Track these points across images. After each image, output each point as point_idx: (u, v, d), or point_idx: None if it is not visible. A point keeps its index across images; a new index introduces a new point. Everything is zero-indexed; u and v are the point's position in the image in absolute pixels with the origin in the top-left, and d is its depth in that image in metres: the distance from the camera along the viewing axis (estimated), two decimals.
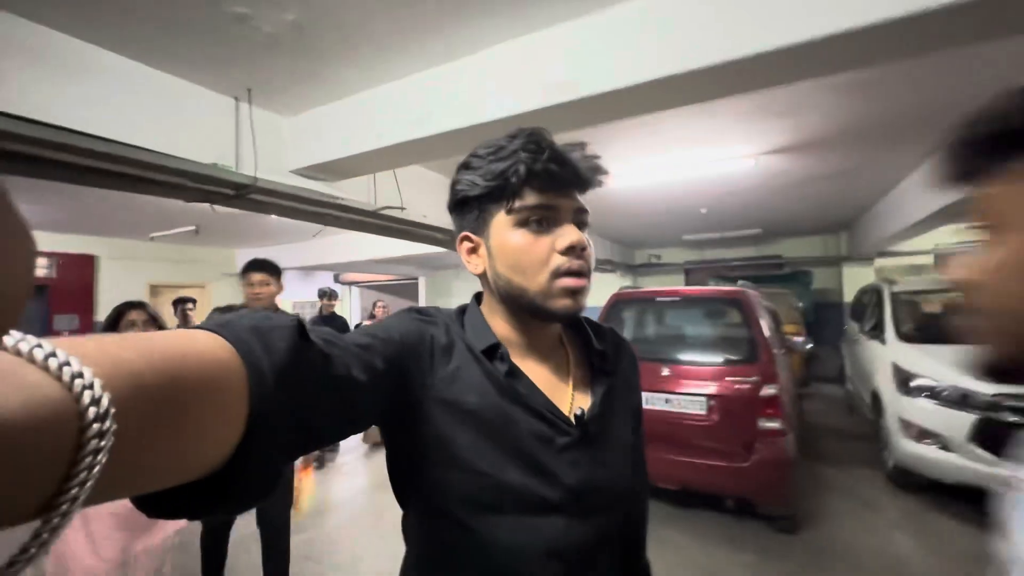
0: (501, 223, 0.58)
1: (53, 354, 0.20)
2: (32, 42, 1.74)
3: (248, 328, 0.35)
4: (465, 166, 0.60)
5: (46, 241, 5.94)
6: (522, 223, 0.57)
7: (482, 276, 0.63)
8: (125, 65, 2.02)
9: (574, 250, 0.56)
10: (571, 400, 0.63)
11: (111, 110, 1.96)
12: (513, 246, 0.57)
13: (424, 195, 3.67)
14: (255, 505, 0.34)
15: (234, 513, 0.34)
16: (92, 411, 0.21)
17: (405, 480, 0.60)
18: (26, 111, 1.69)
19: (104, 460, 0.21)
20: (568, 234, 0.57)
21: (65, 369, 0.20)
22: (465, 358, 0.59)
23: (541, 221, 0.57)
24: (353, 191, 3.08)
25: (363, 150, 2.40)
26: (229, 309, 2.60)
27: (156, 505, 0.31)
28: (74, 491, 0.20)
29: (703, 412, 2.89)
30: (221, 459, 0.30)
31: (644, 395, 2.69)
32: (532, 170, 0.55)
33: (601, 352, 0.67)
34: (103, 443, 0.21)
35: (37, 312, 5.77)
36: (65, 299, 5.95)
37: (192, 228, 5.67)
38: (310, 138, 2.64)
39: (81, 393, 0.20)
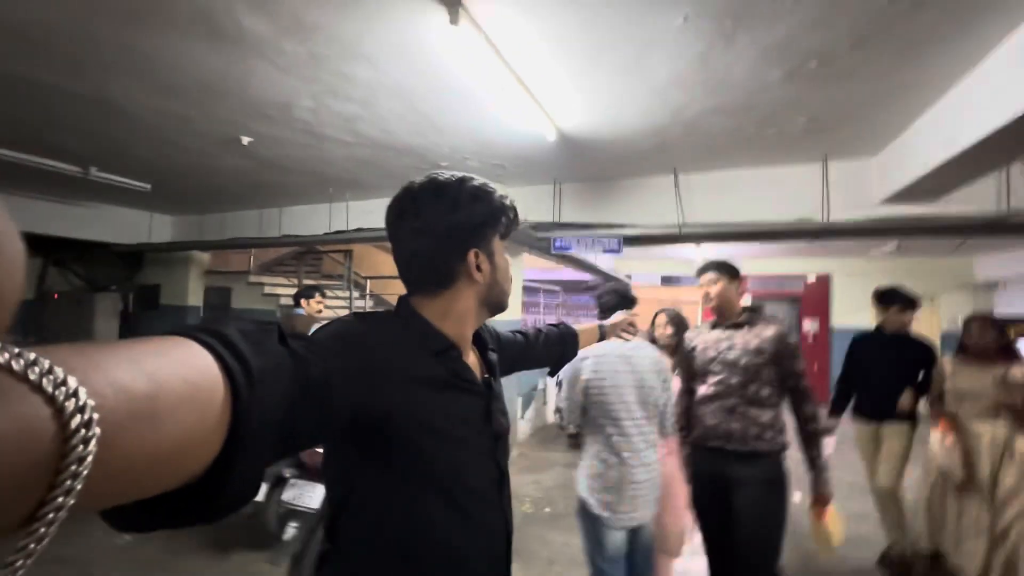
0: (499, 246, 0.77)
1: (35, 363, 0.20)
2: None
3: (229, 334, 0.35)
4: (475, 199, 0.73)
5: (799, 265, 8.20)
6: (502, 245, 0.78)
7: (475, 287, 0.75)
8: (753, 173, 3.48)
9: None
10: (480, 368, 0.81)
11: (741, 206, 3.48)
12: (505, 261, 0.78)
13: None
14: (236, 511, 0.35)
15: (213, 521, 0.34)
16: (76, 419, 0.21)
17: (368, 484, 0.64)
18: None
19: (88, 467, 0.21)
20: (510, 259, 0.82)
21: (47, 379, 0.20)
22: (423, 355, 0.68)
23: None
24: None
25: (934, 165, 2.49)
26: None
27: (127, 518, 0.31)
28: (59, 499, 0.20)
29: None
30: (205, 464, 0.31)
31: None
32: (514, 212, 0.78)
33: (489, 360, 0.84)
34: (88, 450, 0.21)
35: (792, 317, 8.12)
36: (811, 308, 7.98)
37: (893, 247, 6.10)
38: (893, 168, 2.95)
39: (65, 402, 0.20)
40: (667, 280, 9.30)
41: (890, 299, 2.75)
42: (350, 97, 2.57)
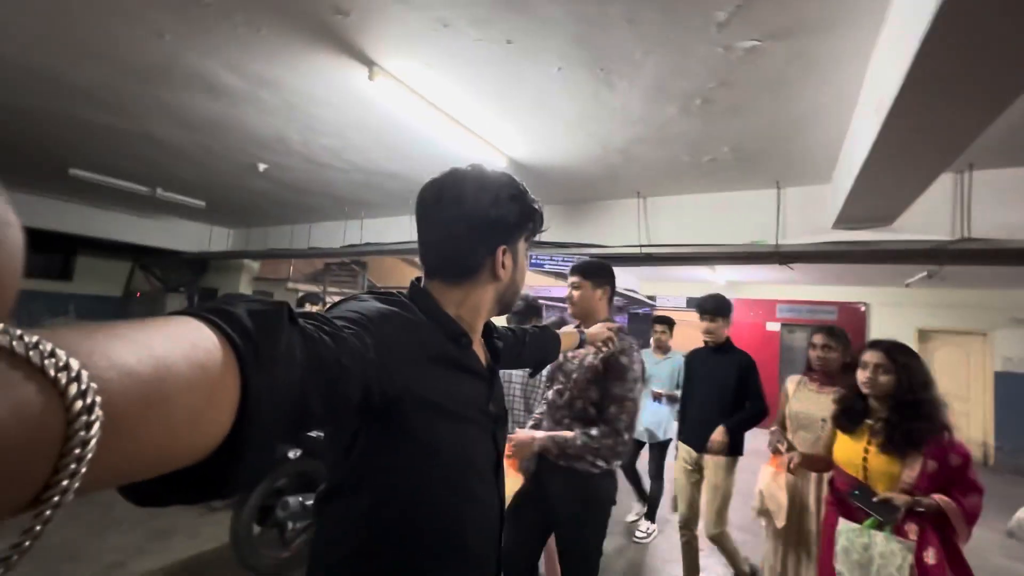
0: (523, 247, 0.81)
1: (37, 346, 0.20)
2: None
3: (237, 313, 0.35)
4: (514, 199, 0.77)
5: (832, 293, 7.81)
6: (525, 248, 0.83)
7: (497, 283, 0.78)
8: (711, 197, 3.64)
9: None
10: (485, 356, 0.84)
11: (692, 231, 3.63)
12: (526, 263, 0.83)
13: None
14: (248, 489, 0.44)
15: (226, 497, 0.34)
16: (79, 403, 0.21)
17: (373, 464, 0.64)
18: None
19: (93, 451, 0.21)
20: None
21: (49, 362, 0.20)
22: (438, 339, 0.70)
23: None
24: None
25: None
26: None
27: (145, 493, 0.31)
28: (64, 483, 0.20)
29: None
30: (215, 445, 0.31)
31: None
32: (542, 219, 0.85)
33: (494, 348, 0.90)
34: (91, 434, 0.21)
35: None
36: None
37: (924, 274, 5.75)
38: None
39: (67, 385, 0.20)
40: (693, 302, 9.17)
41: (699, 308, 2.65)
42: (327, 133, 3.10)
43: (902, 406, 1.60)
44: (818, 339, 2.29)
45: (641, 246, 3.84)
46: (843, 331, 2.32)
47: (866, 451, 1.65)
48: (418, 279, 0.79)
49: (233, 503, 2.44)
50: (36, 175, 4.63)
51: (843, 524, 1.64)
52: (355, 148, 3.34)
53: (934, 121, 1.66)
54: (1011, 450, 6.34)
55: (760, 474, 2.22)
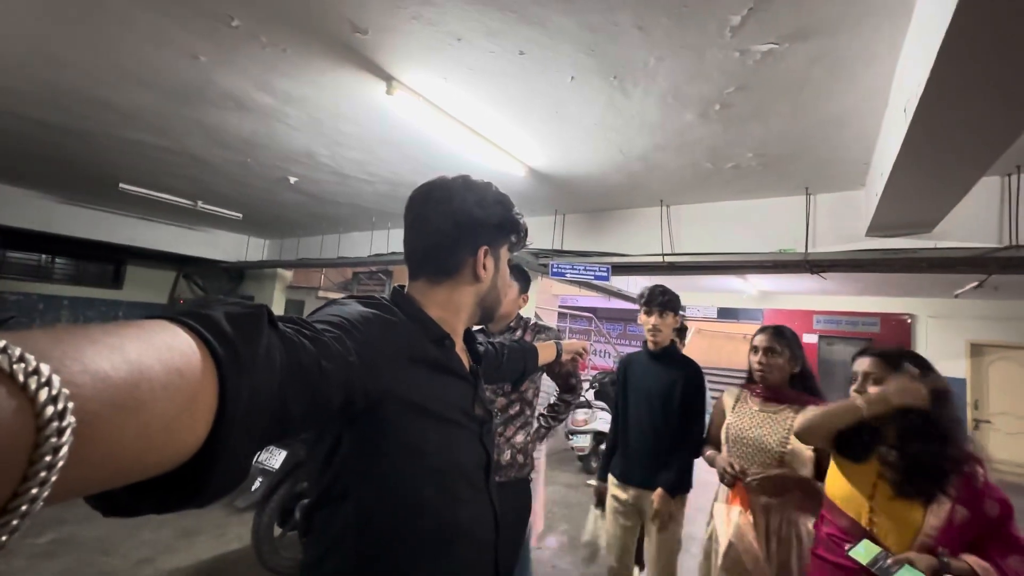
0: (505, 255, 0.82)
1: (5, 350, 0.20)
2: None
3: (216, 317, 0.34)
4: (499, 202, 0.81)
5: (874, 304, 7.44)
6: (507, 258, 0.84)
7: (477, 285, 0.79)
8: (738, 205, 3.55)
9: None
10: (468, 359, 0.84)
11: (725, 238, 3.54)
12: (507, 272, 0.84)
13: None
14: (224, 496, 0.34)
15: (201, 506, 0.33)
16: (50, 409, 0.20)
17: (358, 469, 0.62)
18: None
19: (64, 458, 0.20)
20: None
21: (19, 367, 0.20)
22: (420, 342, 0.69)
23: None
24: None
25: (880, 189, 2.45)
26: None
27: (114, 503, 0.30)
28: (33, 491, 0.20)
29: None
30: (191, 451, 0.30)
31: None
32: (524, 235, 0.87)
33: (476, 352, 0.89)
34: (62, 441, 0.20)
35: None
36: None
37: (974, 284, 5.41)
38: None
39: (38, 391, 0.20)
40: (724, 312, 8.91)
41: (643, 299, 2.09)
42: (352, 147, 3.20)
43: (920, 429, 1.22)
44: (760, 340, 1.77)
45: (664, 255, 3.77)
46: (793, 332, 1.80)
47: (874, 488, 1.25)
48: (401, 286, 0.80)
49: (256, 504, 2.51)
50: (90, 190, 4.97)
51: None
52: (379, 160, 3.43)
53: (965, 119, 1.57)
54: None
55: (717, 516, 1.69)
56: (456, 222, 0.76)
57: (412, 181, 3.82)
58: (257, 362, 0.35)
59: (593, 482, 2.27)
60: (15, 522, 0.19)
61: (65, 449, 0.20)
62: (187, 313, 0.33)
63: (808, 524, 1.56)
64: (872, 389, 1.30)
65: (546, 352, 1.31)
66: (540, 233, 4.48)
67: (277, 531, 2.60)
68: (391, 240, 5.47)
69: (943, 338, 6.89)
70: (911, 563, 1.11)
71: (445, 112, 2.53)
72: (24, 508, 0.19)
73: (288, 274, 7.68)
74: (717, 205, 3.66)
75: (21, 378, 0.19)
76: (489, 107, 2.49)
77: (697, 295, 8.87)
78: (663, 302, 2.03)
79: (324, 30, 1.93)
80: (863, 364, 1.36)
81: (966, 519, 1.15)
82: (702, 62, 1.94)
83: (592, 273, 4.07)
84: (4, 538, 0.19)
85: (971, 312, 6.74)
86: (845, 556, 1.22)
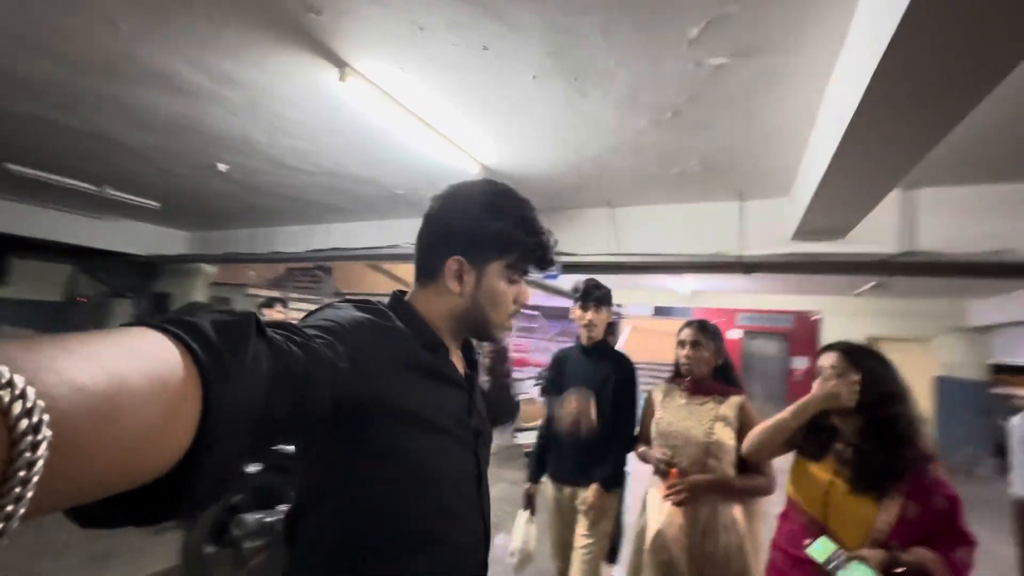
0: (495, 270, 0.74)
1: None
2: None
3: (201, 325, 0.34)
4: (490, 212, 0.74)
5: (788, 302, 8.16)
6: (507, 277, 0.75)
7: (451, 295, 0.74)
8: (680, 208, 3.73)
9: (524, 306, 0.78)
10: (464, 368, 0.83)
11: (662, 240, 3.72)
12: (499, 291, 0.74)
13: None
14: (207, 507, 0.34)
15: (186, 515, 0.34)
16: (24, 423, 0.19)
17: (343, 476, 0.62)
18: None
19: (40, 472, 0.20)
20: (526, 293, 0.77)
21: None
22: (413, 347, 0.68)
23: (515, 280, 0.76)
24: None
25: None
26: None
27: (92, 515, 0.29)
28: (9, 507, 0.19)
29: None
30: (172, 462, 0.29)
31: None
32: (541, 254, 0.77)
33: (472, 360, 0.87)
34: (37, 455, 0.20)
35: (782, 353, 8.04)
36: (800, 345, 7.90)
37: (872, 284, 6.08)
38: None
39: (11, 404, 0.19)
40: (661, 311, 9.39)
41: (578, 293, 2.05)
42: (295, 135, 3.00)
43: (873, 426, 1.27)
44: (686, 334, 1.81)
45: (611, 255, 3.90)
46: (715, 327, 1.87)
47: (830, 486, 1.29)
48: (402, 292, 0.80)
49: (183, 522, 2.29)
50: None
51: None
52: (324, 151, 3.25)
53: (888, 140, 1.76)
54: (950, 450, 6.75)
55: (650, 503, 1.74)
56: (436, 227, 0.77)
57: (357, 174, 3.66)
58: (243, 370, 0.34)
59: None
60: None
61: (40, 463, 0.20)
62: (171, 320, 0.33)
63: (731, 513, 1.63)
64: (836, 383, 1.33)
65: None
66: None
67: (210, 549, 2.39)
68: (331, 235, 5.22)
69: (845, 332, 7.61)
70: (863, 559, 1.15)
71: (400, 103, 2.45)
72: (0, 526, 0.19)
73: (212, 270, 7.07)
74: (660, 208, 3.84)
75: None
76: (446, 101, 2.43)
77: (634, 293, 9.27)
78: (597, 297, 2.02)
79: (273, 6, 1.79)
80: (828, 359, 1.40)
81: (917, 514, 1.18)
82: (660, 70, 2.02)
83: (544, 272, 4.12)
84: None
85: (869, 309, 7.60)
86: (803, 551, 1.27)
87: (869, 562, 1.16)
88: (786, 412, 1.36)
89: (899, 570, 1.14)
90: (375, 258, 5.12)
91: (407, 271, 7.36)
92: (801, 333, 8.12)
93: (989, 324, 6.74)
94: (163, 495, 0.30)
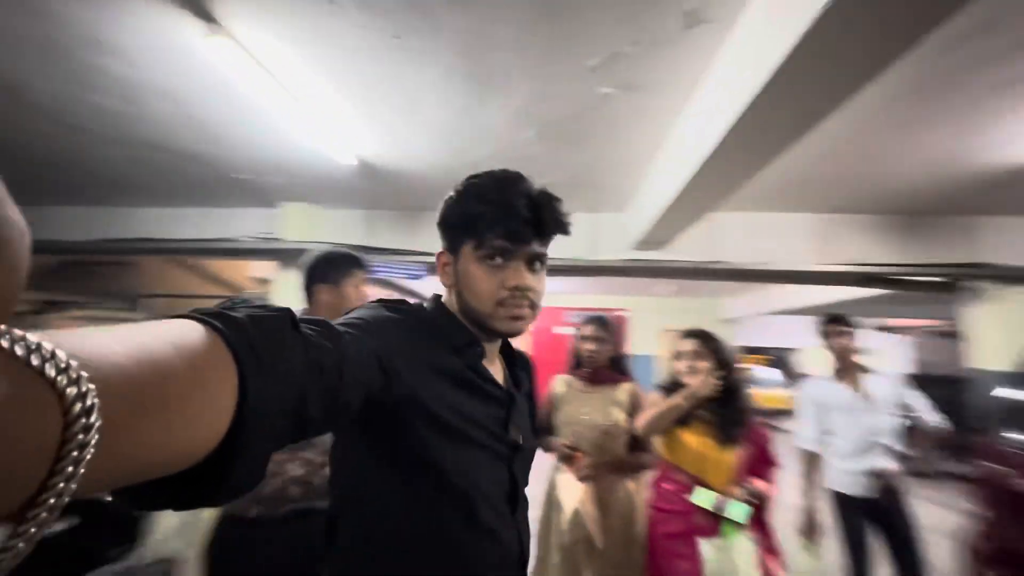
0: (468, 253, 0.69)
1: (38, 348, 0.20)
2: None
3: (240, 317, 0.35)
4: (456, 195, 0.71)
5: (602, 301, 9.50)
6: (483, 258, 0.68)
7: (449, 288, 0.73)
8: None
9: (518, 289, 0.67)
10: (505, 377, 0.79)
11: None
12: (473, 275, 0.68)
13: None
14: (241, 495, 0.35)
15: (222, 503, 0.35)
16: (77, 406, 0.21)
17: (378, 467, 0.63)
18: None
19: (90, 454, 0.21)
20: (515, 277, 0.67)
21: (50, 364, 0.20)
22: (442, 349, 0.67)
23: (496, 259, 0.67)
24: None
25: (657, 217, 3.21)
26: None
27: (138, 496, 0.31)
28: (60, 485, 0.21)
29: None
30: (209, 450, 0.31)
31: None
32: (494, 222, 0.67)
33: (516, 375, 0.82)
34: (88, 437, 0.21)
35: None
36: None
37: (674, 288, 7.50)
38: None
39: (66, 388, 0.21)
40: None
41: None
42: (111, 93, 2.35)
43: (725, 394, 1.62)
44: (588, 330, 1.96)
45: None
46: (612, 320, 2.04)
47: (703, 445, 1.63)
48: (438, 295, 0.77)
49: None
50: None
51: (704, 543, 1.53)
52: (146, 117, 2.60)
53: (724, 177, 2.26)
54: None
55: (561, 486, 1.88)
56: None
57: (187, 149, 3.04)
58: (277, 364, 0.36)
59: None
60: (43, 515, 0.20)
61: (92, 446, 0.21)
62: (210, 313, 0.34)
63: (627, 486, 1.84)
64: (699, 364, 1.68)
65: None
66: (348, 227, 4.17)
67: None
68: (138, 220, 4.18)
69: (650, 326, 9.34)
70: (735, 496, 1.53)
71: (274, 76, 2.14)
72: (52, 501, 0.20)
73: None
74: None
75: (52, 374, 0.20)
76: (329, 83, 2.22)
77: None
78: None
79: None
80: (688, 344, 1.73)
81: (751, 453, 1.64)
82: (557, 89, 2.20)
83: (407, 272, 4.02)
84: (33, 530, 0.20)
85: (662, 307, 9.35)
86: (683, 504, 1.56)
87: (737, 497, 1.55)
88: (679, 398, 1.66)
89: (753, 500, 1.55)
90: (186, 252, 4.29)
91: (235, 269, 6.31)
92: (616, 328, 9.59)
93: (734, 316, 8.97)
94: (201, 482, 0.32)
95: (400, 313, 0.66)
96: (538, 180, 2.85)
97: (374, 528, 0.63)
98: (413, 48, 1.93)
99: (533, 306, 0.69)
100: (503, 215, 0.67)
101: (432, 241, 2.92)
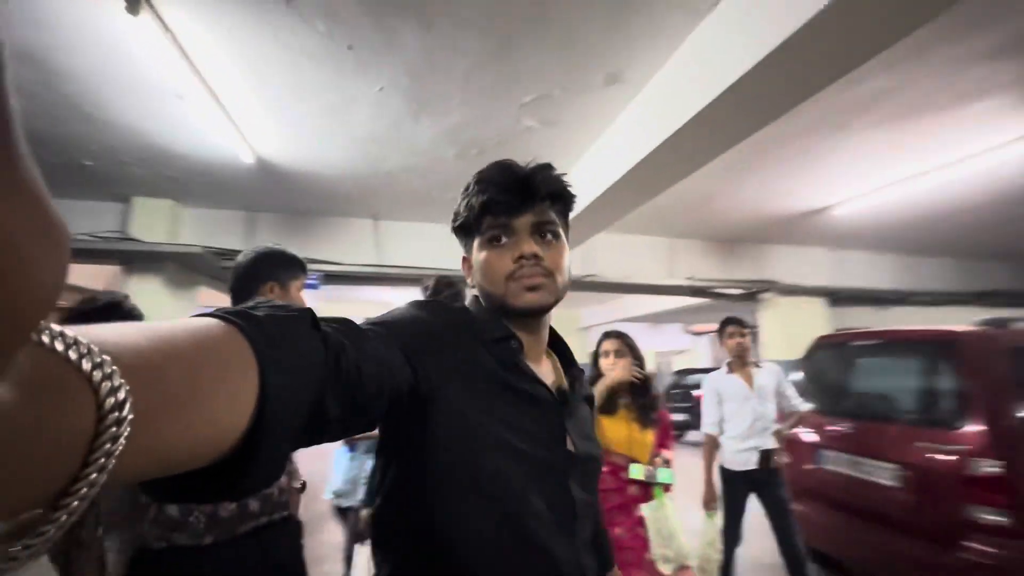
0: (477, 248, 0.70)
1: (75, 343, 0.21)
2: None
3: (261, 318, 0.36)
4: (463, 195, 0.71)
5: None
6: (487, 243, 0.68)
7: (473, 287, 0.73)
8: (444, 227, 4.13)
9: (524, 257, 0.65)
10: (556, 376, 0.74)
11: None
12: (482, 262, 0.68)
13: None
14: (260, 491, 0.36)
15: (240, 498, 0.37)
16: (110, 400, 0.22)
17: (409, 472, 0.60)
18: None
19: (122, 447, 0.22)
20: (519, 246, 0.66)
21: (85, 360, 0.21)
22: (474, 345, 0.64)
23: (499, 238, 0.67)
24: None
25: None
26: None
27: (162, 489, 0.33)
28: (93, 476, 0.21)
29: (894, 484, 2.32)
30: (231, 446, 0.32)
31: (829, 454, 2.63)
32: (484, 204, 0.66)
33: (569, 359, 0.78)
34: (120, 431, 0.22)
35: None
36: None
37: None
38: None
39: (100, 382, 0.21)
40: None
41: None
42: None
43: (640, 384, 1.91)
44: (610, 344, 2.10)
45: (374, 266, 3.99)
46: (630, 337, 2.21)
47: (630, 429, 1.90)
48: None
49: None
50: None
51: (644, 508, 1.82)
52: (33, 93, 2.07)
53: (615, 206, 2.74)
54: None
55: None
56: None
57: (39, 130, 2.47)
58: (298, 363, 0.37)
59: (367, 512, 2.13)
60: (75, 503, 0.21)
61: (123, 438, 0.22)
62: (232, 312, 0.35)
63: None
64: (620, 361, 2.05)
65: None
66: (229, 230, 3.75)
67: None
68: None
69: None
70: (658, 466, 1.87)
71: (196, 69, 1.94)
72: (84, 491, 0.21)
73: None
74: (424, 226, 4.21)
75: (87, 368, 0.21)
76: (254, 83, 2.10)
77: (338, 305, 9.16)
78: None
79: None
80: (611, 344, 1.99)
81: (658, 431, 1.95)
82: (489, 118, 2.43)
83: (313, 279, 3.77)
84: (64, 518, 0.21)
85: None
86: (617, 482, 1.83)
87: (660, 465, 1.94)
88: (608, 382, 2.00)
89: (668, 465, 1.97)
90: None
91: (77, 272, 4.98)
92: None
93: (589, 325, 10.17)
94: (221, 477, 0.33)
95: (431, 311, 0.64)
96: (446, 192, 3.05)
97: (408, 532, 0.61)
98: (363, 60, 1.97)
99: (549, 273, 0.65)
100: (491, 196, 0.66)
101: (328, 248, 2.87)
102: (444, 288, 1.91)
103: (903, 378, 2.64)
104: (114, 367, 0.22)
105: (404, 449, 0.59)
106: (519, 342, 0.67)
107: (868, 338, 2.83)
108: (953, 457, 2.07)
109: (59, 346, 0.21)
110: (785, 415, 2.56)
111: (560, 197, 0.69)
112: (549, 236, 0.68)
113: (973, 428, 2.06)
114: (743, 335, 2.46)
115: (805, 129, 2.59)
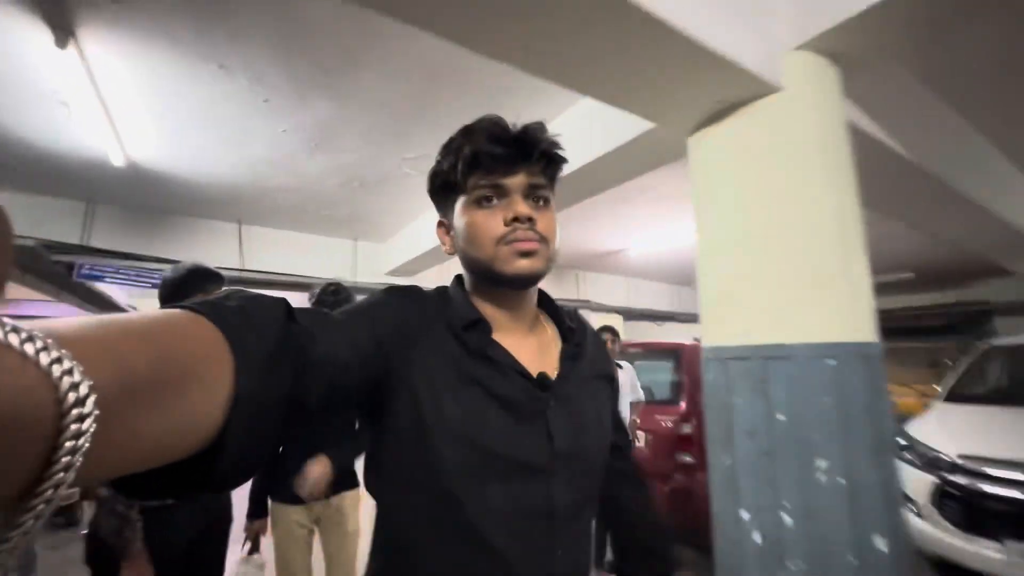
0: (459, 206, 0.63)
1: (31, 339, 0.20)
2: None
3: (234, 308, 0.35)
4: (436, 162, 0.65)
5: None
6: (474, 203, 0.61)
7: (453, 255, 0.66)
8: (309, 237, 4.34)
9: (519, 220, 0.59)
10: (543, 362, 0.65)
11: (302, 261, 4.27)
12: (467, 223, 0.61)
13: None
14: (238, 484, 0.35)
15: (216, 491, 0.35)
16: (72, 396, 0.20)
17: (387, 461, 0.58)
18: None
19: (87, 445, 0.21)
20: (513, 207, 0.60)
21: (43, 355, 0.20)
22: (444, 334, 0.60)
23: (490, 199, 0.61)
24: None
25: (413, 256, 4.16)
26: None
27: (135, 486, 0.31)
28: (58, 475, 0.20)
29: (644, 446, 3.47)
30: (206, 440, 0.31)
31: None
32: (474, 157, 0.59)
33: (571, 328, 0.70)
34: (84, 427, 0.21)
35: None
36: None
37: None
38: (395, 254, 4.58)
39: (60, 379, 0.20)
40: None
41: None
42: None
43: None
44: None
45: (238, 269, 4.04)
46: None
47: None
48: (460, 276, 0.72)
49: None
50: None
51: None
52: None
53: None
54: None
55: None
56: None
57: None
58: (272, 353, 0.36)
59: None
60: (40, 506, 0.20)
61: (87, 436, 0.21)
62: (204, 304, 0.34)
63: None
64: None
65: None
66: (61, 221, 3.44)
67: None
68: None
69: None
70: None
71: (94, 82, 2.06)
72: (49, 493, 0.20)
73: None
74: (290, 233, 4.38)
75: (46, 364, 0.20)
76: (138, 81, 2.16)
77: None
78: (332, 303, 1.94)
79: None
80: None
81: None
82: (376, 160, 2.93)
83: (149, 281, 3.65)
84: (30, 522, 0.20)
85: None
86: None
87: None
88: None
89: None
90: None
91: None
92: None
93: None
94: (195, 471, 0.32)
95: (408, 299, 0.61)
96: (321, 209, 3.77)
97: (383, 527, 0.61)
98: (275, 109, 2.32)
99: (543, 239, 0.60)
100: (482, 151, 0.60)
101: (191, 250, 3.23)
102: (329, 296, 1.84)
103: (657, 374, 3.88)
104: (75, 361, 0.21)
105: (379, 439, 0.59)
106: (487, 324, 0.62)
107: (636, 347, 4.06)
108: (671, 424, 3.28)
109: (14, 340, 0.20)
110: (632, 406, 3.03)
111: (553, 160, 0.64)
112: (541, 201, 0.63)
113: (682, 405, 3.30)
114: (613, 341, 2.94)
115: (608, 198, 3.68)
